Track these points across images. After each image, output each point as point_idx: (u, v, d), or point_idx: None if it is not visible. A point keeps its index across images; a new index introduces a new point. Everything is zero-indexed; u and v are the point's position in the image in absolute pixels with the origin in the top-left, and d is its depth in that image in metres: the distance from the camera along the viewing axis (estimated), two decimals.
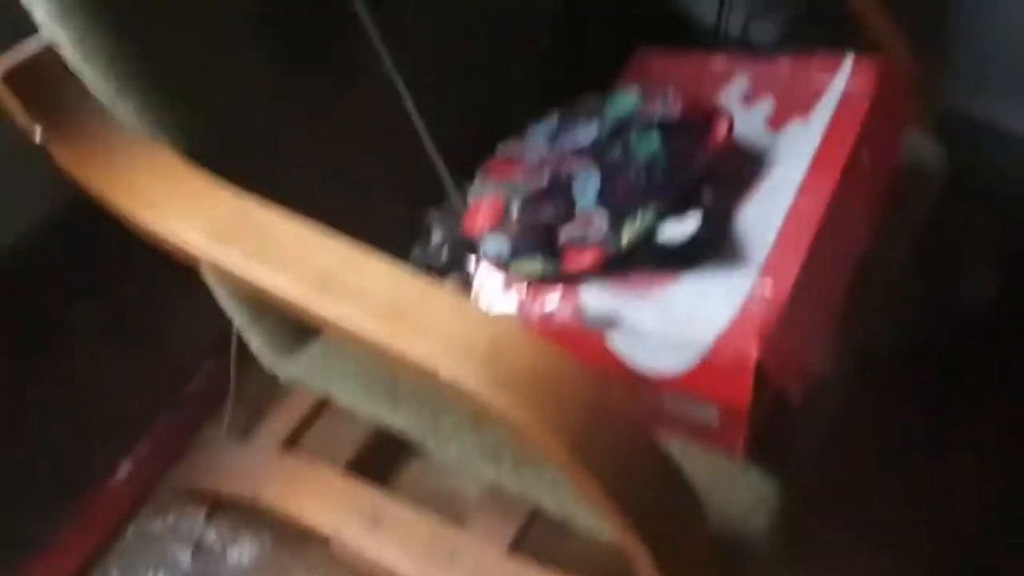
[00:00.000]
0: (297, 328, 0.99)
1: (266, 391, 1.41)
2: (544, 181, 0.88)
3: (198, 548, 1.28)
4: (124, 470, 1.34)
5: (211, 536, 1.29)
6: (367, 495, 1.10)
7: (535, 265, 0.83)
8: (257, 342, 0.99)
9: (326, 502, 1.11)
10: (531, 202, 0.87)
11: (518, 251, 0.84)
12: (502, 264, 0.84)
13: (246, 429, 1.36)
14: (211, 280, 0.95)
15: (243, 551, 1.28)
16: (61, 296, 1.46)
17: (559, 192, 0.87)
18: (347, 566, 1.09)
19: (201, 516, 1.31)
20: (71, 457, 1.33)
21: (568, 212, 0.85)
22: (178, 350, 1.47)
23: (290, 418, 1.24)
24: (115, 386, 1.39)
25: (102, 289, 1.49)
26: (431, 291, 0.67)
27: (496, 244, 0.85)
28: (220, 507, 1.31)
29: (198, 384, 1.43)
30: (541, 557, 1.00)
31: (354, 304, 0.70)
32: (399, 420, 0.93)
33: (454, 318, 0.68)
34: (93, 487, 1.32)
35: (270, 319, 0.97)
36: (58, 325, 1.46)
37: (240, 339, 1.31)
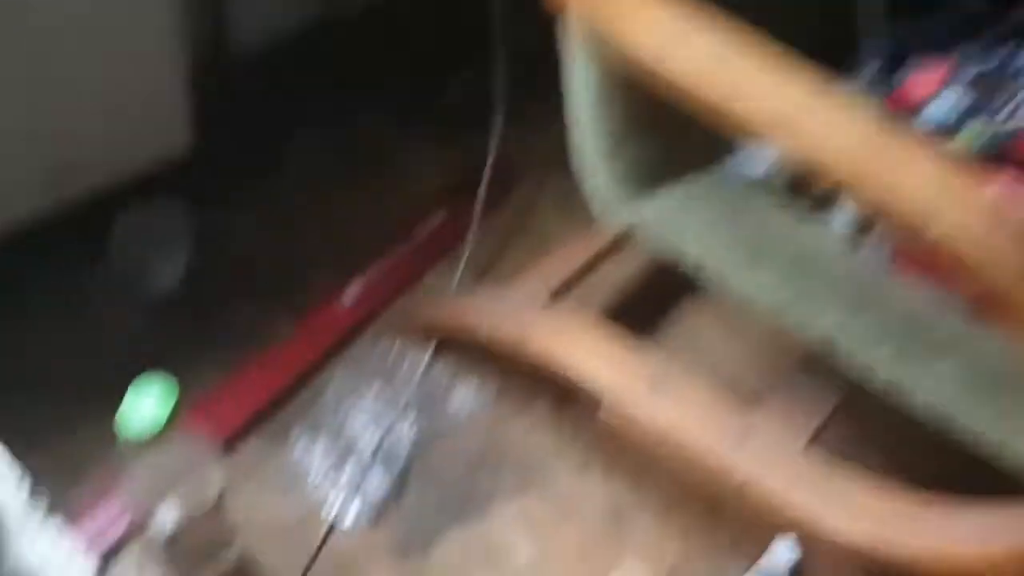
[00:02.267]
0: (654, 171, 0.95)
1: (502, 244, 1.38)
2: (993, 61, 0.83)
3: (421, 383, 1.25)
4: (351, 294, 1.30)
5: (435, 375, 1.26)
6: (644, 357, 1.06)
7: (984, 129, 0.79)
8: (607, 178, 0.94)
9: (598, 358, 1.07)
10: (980, 76, 0.82)
11: (968, 114, 0.80)
12: (947, 129, 0.80)
13: (480, 276, 1.33)
14: (579, 104, 0.90)
15: (466, 396, 1.25)
16: (295, 119, 1.43)
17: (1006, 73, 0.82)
18: (617, 430, 1.06)
19: (427, 354, 1.27)
20: (298, 277, 1.30)
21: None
22: (412, 191, 1.43)
23: (554, 272, 1.20)
24: (345, 217, 1.36)
25: (339, 119, 1.46)
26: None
27: (944, 105, 0.81)
28: (446, 349, 1.28)
29: (430, 227, 1.38)
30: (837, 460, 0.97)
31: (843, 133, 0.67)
32: (759, 280, 0.89)
33: (951, 176, 0.65)
34: (318, 304, 1.29)
35: (632, 154, 0.93)
36: (290, 147, 1.43)
37: (490, 183, 1.28)
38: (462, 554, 1.13)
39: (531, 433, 1.23)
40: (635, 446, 1.07)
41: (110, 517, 1.05)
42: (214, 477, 0.96)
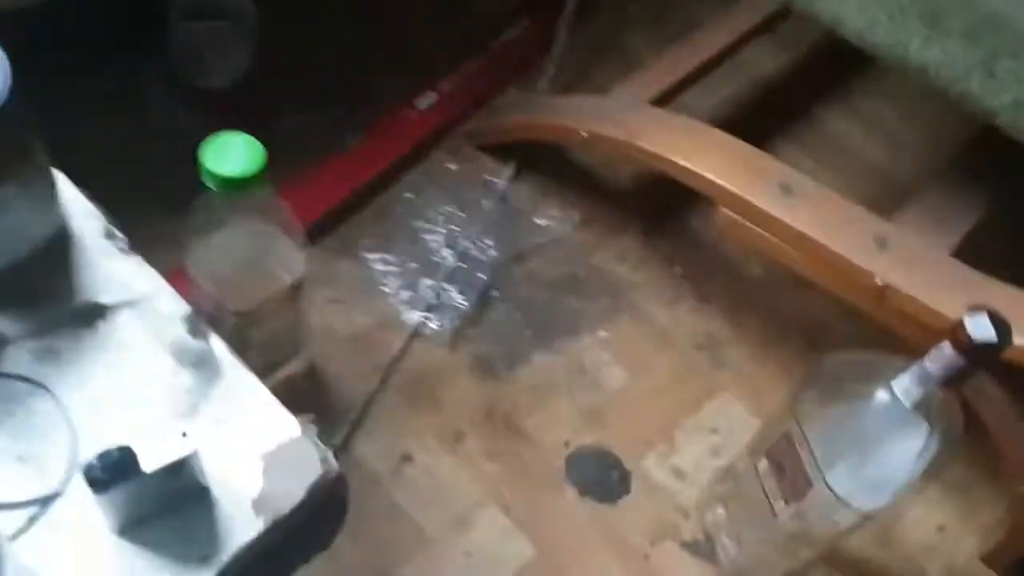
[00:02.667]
0: None
1: (589, 59, 1.27)
2: None
3: (502, 202, 1.14)
4: (425, 102, 1.18)
5: (517, 195, 1.16)
6: (769, 162, 0.96)
7: None
8: None
9: (721, 157, 0.96)
10: None
11: None
12: None
13: (565, 91, 1.22)
14: None
15: (550, 219, 1.14)
16: None
17: None
18: (734, 238, 0.96)
19: (509, 171, 1.16)
20: (370, 87, 1.18)
21: None
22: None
23: (653, 81, 1.09)
24: (422, 28, 1.24)
25: None
26: None
27: None
28: (529, 168, 1.17)
29: (512, 38, 1.26)
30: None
31: None
32: (936, 53, 0.78)
33: None
34: (393, 110, 1.17)
35: None
36: None
37: None
38: (549, 376, 1.04)
39: (620, 262, 1.14)
40: (756, 250, 0.97)
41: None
42: (298, 260, 0.86)
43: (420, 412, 0.99)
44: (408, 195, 1.12)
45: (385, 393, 0.99)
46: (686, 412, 1.04)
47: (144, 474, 0.46)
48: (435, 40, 1.23)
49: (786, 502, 0.81)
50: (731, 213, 0.95)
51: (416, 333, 1.03)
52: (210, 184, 0.72)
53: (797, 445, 0.79)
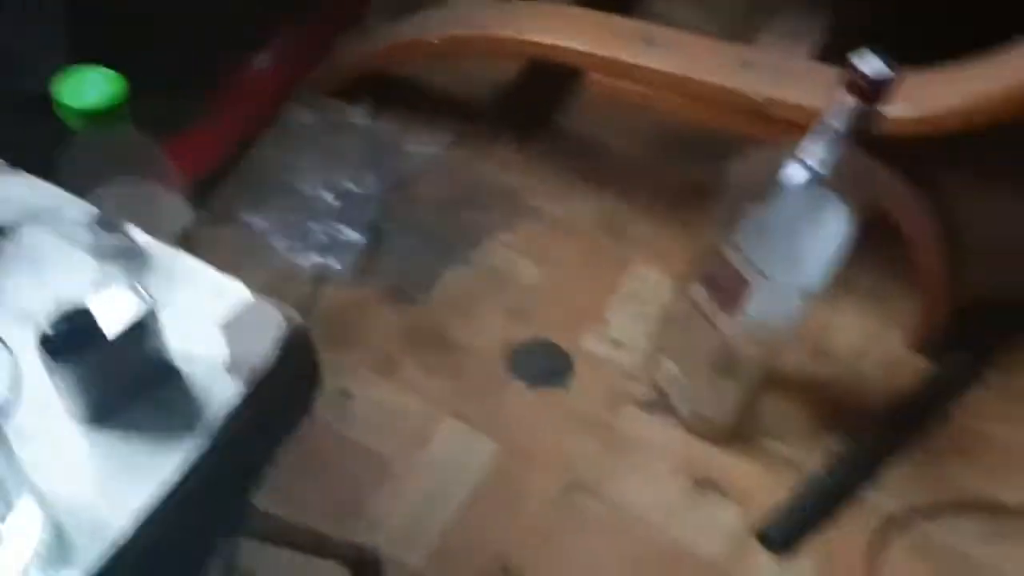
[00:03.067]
0: None
1: None
2: None
3: (367, 137, 1.12)
4: (262, 60, 1.15)
5: (381, 128, 1.13)
6: (625, 21, 0.97)
7: None
8: None
9: (581, 28, 0.97)
10: None
11: None
12: None
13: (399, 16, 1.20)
14: None
15: (420, 144, 1.13)
16: None
17: None
18: (608, 94, 0.97)
19: (367, 107, 1.14)
20: (206, 54, 1.13)
21: None
22: None
23: None
24: None
25: None
26: None
27: None
28: (387, 101, 1.15)
29: None
30: None
31: None
32: None
33: None
34: (232, 75, 1.12)
35: None
36: None
37: None
38: (464, 287, 1.02)
39: (501, 170, 1.13)
40: (635, 102, 0.98)
41: None
42: (183, 209, 0.81)
43: (346, 350, 0.95)
44: (271, 152, 1.08)
45: None
46: (606, 288, 1.04)
47: (104, 338, 0.42)
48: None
49: (726, 312, 0.82)
50: (603, 78, 0.96)
51: (320, 277, 0.99)
52: (72, 123, 0.67)
53: (726, 253, 0.80)
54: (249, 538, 0.74)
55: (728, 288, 0.81)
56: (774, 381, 0.97)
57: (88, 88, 0.68)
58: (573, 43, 0.95)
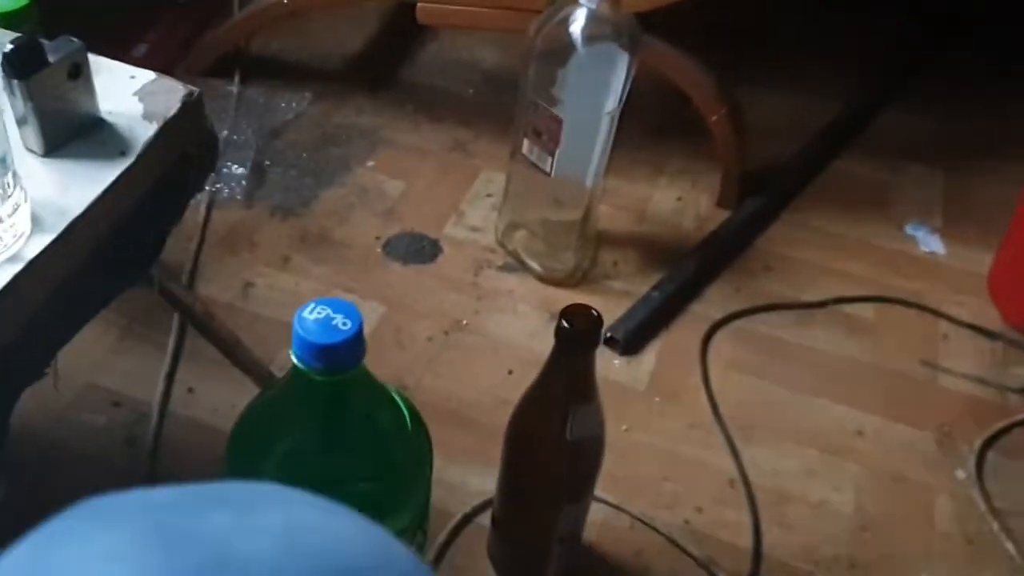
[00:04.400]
0: None
1: None
2: None
3: (239, 102, 1.29)
4: (139, 50, 1.32)
5: (251, 95, 1.31)
6: None
7: None
8: None
9: None
10: None
11: None
12: None
13: None
14: None
15: (286, 103, 1.31)
16: None
17: None
18: (437, 19, 1.17)
19: (235, 82, 1.32)
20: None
21: None
22: None
23: None
24: None
25: None
26: None
27: None
28: (252, 77, 1.33)
29: None
30: None
31: None
32: None
33: None
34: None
35: None
36: None
37: None
38: (340, 201, 1.19)
39: (360, 115, 1.32)
40: (460, 23, 1.19)
41: None
42: None
43: (244, 254, 1.10)
44: None
45: (206, 250, 1.10)
46: (462, 191, 1.23)
47: (51, 64, 0.58)
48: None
49: (550, 153, 1.01)
50: (428, 5, 1.16)
51: (211, 203, 1.15)
52: None
53: (540, 105, 1.00)
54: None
55: (547, 131, 1.01)
56: (607, 240, 1.17)
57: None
58: None
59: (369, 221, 1.17)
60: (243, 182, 1.18)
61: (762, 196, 1.24)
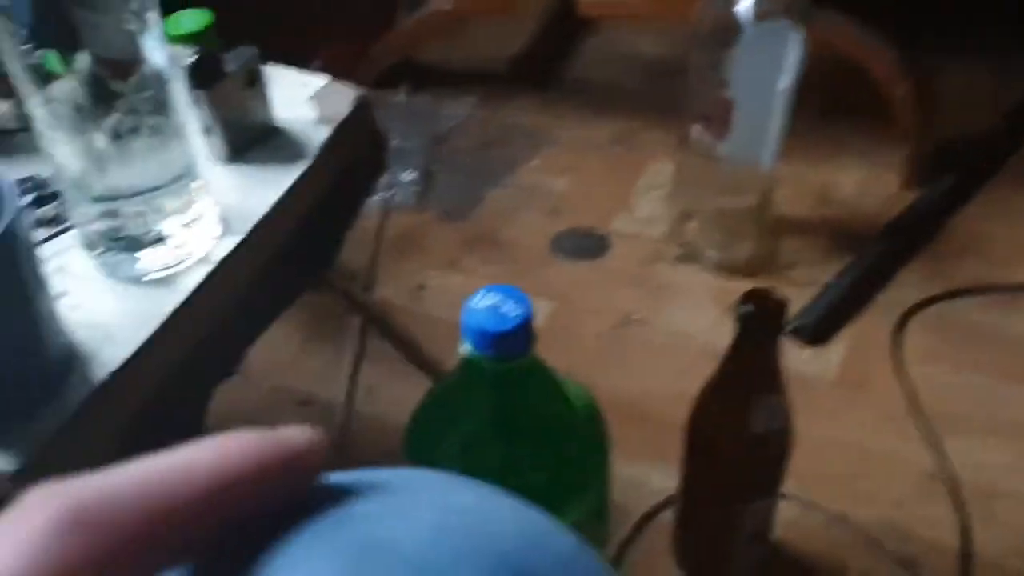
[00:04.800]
0: None
1: None
2: None
3: (407, 111, 1.32)
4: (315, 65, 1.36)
5: (416, 104, 1.34)
6: None
7: None
8: None
9: None
10: None
11: None
12: None
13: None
14: None
15: (450, 107, 1.32)
16: None
17: None
18: (599, 12, 1.16)
19: (403, 91, 1.35)
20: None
21: None
22: None
23: None
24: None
25: None
26: None
27: None
28: (419, 86, 1.36)
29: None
30: None
31: None
32: None
33: None
34: None
35: None
36: None
37: None
38: (506, 202, 1.19)
39: (523, 114, 1.32)
40: (622, 13, 1.17)
41: None
42: None
43: (416, 258, 1.12)
44: None
45: (382, 254, 1.13)
46: (629, 184, 1.20)
47: (227, 73, 0.60)
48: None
49: (721, 138, 0.98)
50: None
51: (387, 208, 1.17)
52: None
53: (711, 88, 0.96)
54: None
55: (718, 116, 0.97)
56: (786, 227, 1.11)
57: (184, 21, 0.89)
58: None
59: (536, 219, 1.17)
60: (413, 188, 1.20)
61: (954, 174, 1.15)
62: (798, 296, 1.04)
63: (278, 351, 1.02)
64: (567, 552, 0.25)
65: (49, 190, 0.60)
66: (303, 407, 0.97)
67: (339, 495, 0.24)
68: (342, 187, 0.67)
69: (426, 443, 0.62)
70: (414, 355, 0.90)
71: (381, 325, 0.91)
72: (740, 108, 0.95)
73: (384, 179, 1.20)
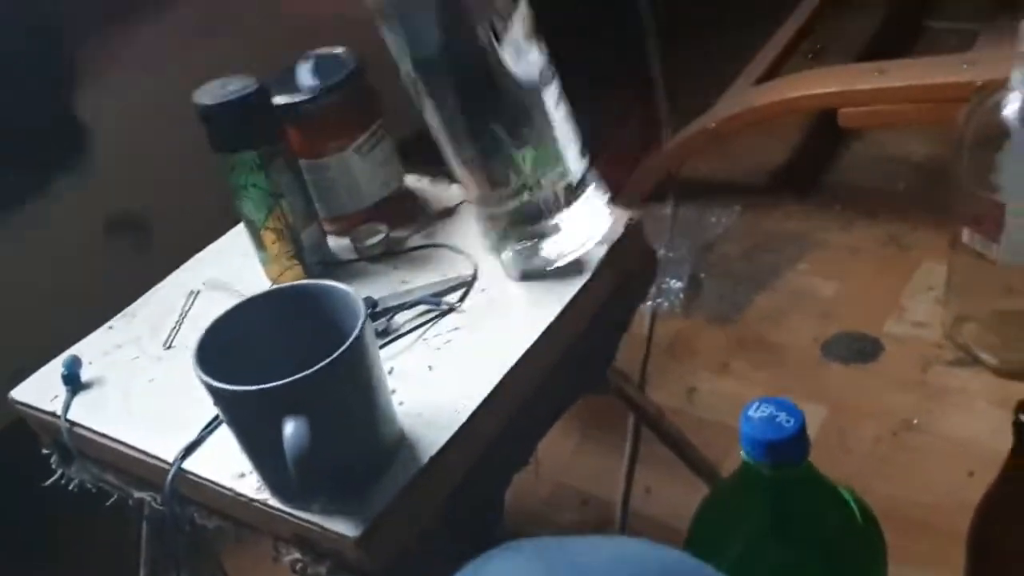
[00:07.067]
0: None
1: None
2: None
3: (674, 221, 1.39)
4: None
5: (684, 215, 1.41)
6: (862, 65, 1.20)
7: None
8: None
9: (824, 79, 1.21)
10: None
11: None
12: None
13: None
14: None
15: (717, 215, 1.38)
16: None
17: None
18: (858, 122, 1.18)
19: (670, 204, 1.42)
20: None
21: None
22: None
23: (750, 71, 1.37)
24: None
25: None
26: None
27: None
28: (685, 198, 1.43)
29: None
30: None
31: None
32: None
33: None
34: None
35: None
36: None
37: None
38: (774, 305, 1.22)
39: (787, 219, 1.35)
40: (882, 122, 1.19)
41: None
42: None
43: (685, 361, 1.17)
44: None
45: (652, 359, 1.19)
46: (900, 286, 1.20)
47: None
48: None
49: (995, 240, 0.96)
50: (850, 109, 1.18)
51: (654, 315, 1.24)
52: None
53: (980, 192, 0.95)
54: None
55: (989, 218, 0.96)
56: None
57: None
58: (818, 88, 1.19)
59: (805, 323, 1.18)
60: (681, 295, 1.26)
61: None
62: None
63: (556, 449, 1.09)
64: None
65: (379, 308, 0.71)
66: (584, 506, 1.04)
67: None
68: (616, 297, 0.74)
69: (706, 546, 0.65)
70: (688, 456, 0.94)
71: (656, 426, 0.96)
72: (1012, 211, 0.93)
73: (653, 288, 1.27)
